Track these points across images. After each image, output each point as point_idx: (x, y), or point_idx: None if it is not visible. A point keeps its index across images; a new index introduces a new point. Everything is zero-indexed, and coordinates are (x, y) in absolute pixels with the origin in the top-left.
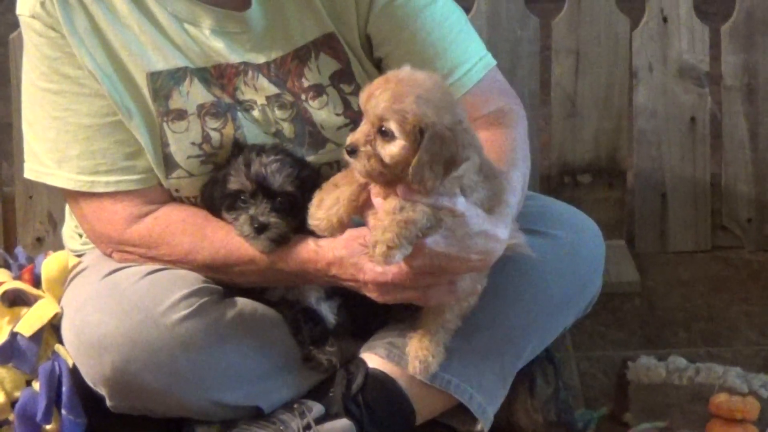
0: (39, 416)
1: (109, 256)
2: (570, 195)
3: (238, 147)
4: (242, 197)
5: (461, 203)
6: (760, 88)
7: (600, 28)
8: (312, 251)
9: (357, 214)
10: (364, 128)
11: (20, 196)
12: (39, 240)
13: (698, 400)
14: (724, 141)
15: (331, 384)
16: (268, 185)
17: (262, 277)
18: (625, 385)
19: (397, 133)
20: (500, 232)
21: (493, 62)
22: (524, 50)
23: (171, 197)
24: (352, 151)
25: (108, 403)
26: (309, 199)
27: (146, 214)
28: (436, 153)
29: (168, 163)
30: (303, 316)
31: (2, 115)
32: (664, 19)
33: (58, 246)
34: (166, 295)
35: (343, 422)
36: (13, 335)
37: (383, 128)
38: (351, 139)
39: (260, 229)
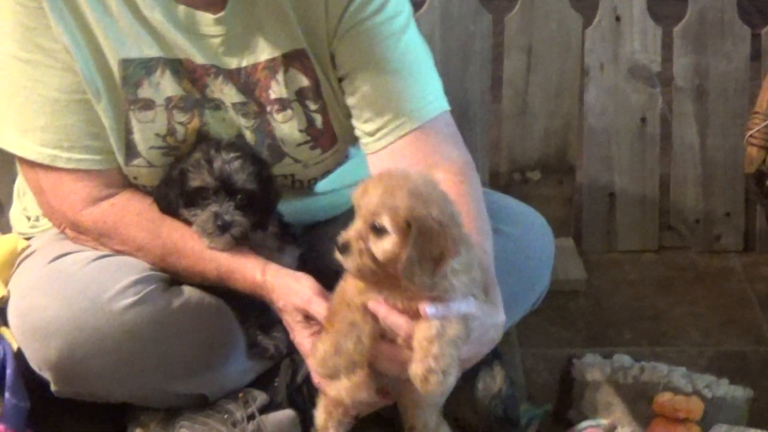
0: None
1: (62, 231)
2: (519, 192)
3: (202, 139)
4: (203, 194)
5: (474, 305)
6: (711, 90)
7: (553, 26)
8: (258, 285)
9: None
10: (356, 225)
11: None
12: None
13: (642, 399)
14: (673, 142)
15: (276, 374)
16: (232, 183)
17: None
18: (569, 382)
19: (389, 228)
20: (501, 317)
21: (448, 107)
22: (476, 46)
23: (130, 183)
24: (344, 249)
25: (52, 387)
26: (267, 195)
27: (105, 198)
28: (425, 248)
29: (130, 149)
30: (249, 303)
31: None
32: (617, 19)
33: (6, 229)
34: (113, 282)
35: (287, 412)
36: None
37: (376, 224)
38: (344, 237)
39: (224, 227)
